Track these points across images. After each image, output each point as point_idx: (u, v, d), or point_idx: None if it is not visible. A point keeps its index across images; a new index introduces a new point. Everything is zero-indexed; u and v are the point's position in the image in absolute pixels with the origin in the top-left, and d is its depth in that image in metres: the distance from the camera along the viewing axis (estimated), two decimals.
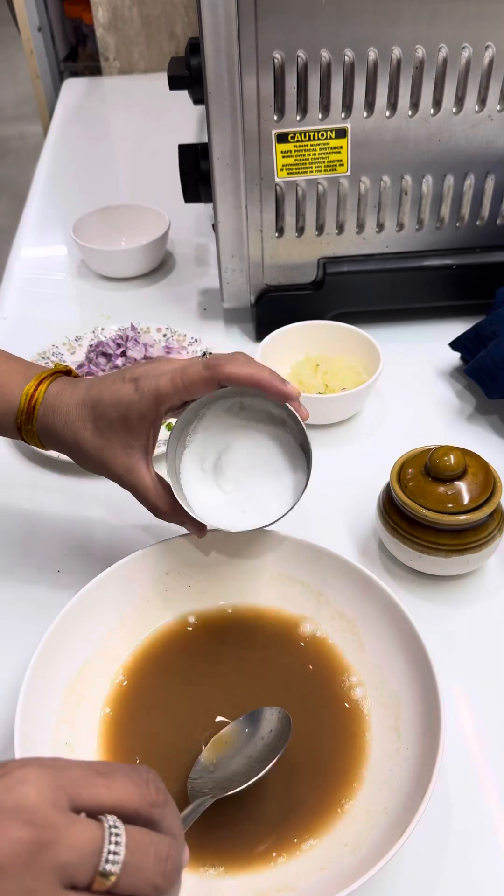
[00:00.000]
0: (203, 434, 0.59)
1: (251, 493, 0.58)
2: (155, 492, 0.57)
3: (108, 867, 0.29)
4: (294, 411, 0.55)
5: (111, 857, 0.30)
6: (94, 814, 0.31)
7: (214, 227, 0.85)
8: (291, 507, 0.57)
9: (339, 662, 0.58)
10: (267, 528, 0.58)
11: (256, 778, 0.48)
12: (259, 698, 0.55)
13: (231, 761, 0.50)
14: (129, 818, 0.31)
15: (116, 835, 0.30)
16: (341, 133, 0.78)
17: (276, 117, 0.77)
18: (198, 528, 0.58)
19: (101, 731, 0.55)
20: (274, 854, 0.48)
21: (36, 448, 0.59)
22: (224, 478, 0.58)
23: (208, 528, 0.58)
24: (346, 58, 0.73)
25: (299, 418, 0.55)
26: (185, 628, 0.61)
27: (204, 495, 0.58)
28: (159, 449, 0.67)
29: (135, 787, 0.32)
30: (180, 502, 0.56)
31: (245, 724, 0.53)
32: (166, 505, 0.57)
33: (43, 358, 0.91)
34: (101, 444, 0.55)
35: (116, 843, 0.30)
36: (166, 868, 0.31)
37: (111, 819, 0.30)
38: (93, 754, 0.53)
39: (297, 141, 0.78)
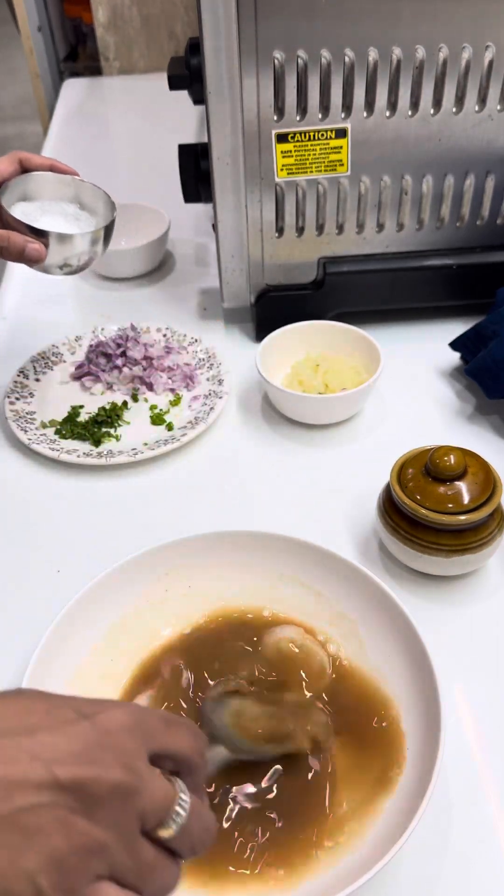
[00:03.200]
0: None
1: (64, 211, 0.76)
2: None
3: (172, 824, 0.34)
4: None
5: (176, 817, 0.34)
6: (162, 757, 0.36)
7: (214, 227, 0.85)
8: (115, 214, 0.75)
9: (336, 662, 0.58)
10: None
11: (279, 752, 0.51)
12: (256, 701, 0.55)
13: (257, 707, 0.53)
14: (182, 763, 0.36)
15: (184, 800, 0.35)
16: (341, 133, 0.78)
17: (276, 117, 0.77)
18: (36, 246, 0.69)
19: None
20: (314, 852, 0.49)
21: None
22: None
23: (49, 236, 0.70)
24: (346, 58, 0.73)
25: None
26: (184, 629, 0.61)
27: (35, 217, 0.73)
28: None
29: (192, 738, 0.37)
30: (14, 215, 0.69)
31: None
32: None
33: (43, 358, 0.91)
34: None
35: (182, 807, 0.35)
36: (205, 838, 0.36)
37: (180, 784, 0.35)
38: None
39: (297, 141, 0.78)
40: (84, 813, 0.31)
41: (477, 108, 0.78)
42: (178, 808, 0.34)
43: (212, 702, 0.53)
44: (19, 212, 0.73)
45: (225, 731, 0.51)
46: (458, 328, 0.88)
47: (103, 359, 0.89)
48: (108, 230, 0.75)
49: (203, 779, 0.39)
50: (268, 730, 0.52)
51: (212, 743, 0.50)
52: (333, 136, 0.78)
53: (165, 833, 0.34)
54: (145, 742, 0.35)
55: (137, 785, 0.33)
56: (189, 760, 0.37)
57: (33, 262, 0.71)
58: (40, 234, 0.70)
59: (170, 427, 0.82)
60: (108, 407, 0.84)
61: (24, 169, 0.75)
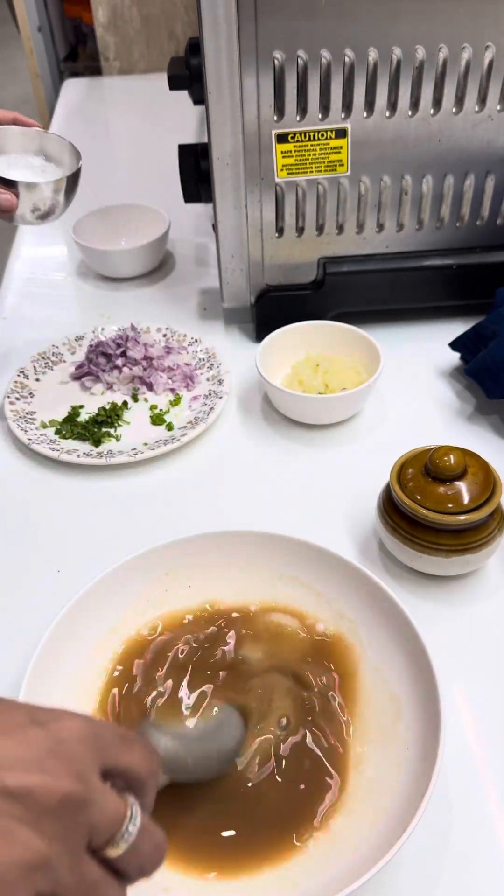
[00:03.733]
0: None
1: (30, 164, 0.78)
2: None
3: (122, 843, 0.33)
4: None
5: (126, 834, 0.33)
6: (113, 774, 0.34)
7: (214, 227, 0.85)
8: (80, 162, 0.78)
9: (336, 662, 0.58)
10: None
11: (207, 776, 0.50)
12: (256, 700, 0.55)
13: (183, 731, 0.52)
14: (134, 782, 0.35)
15: (135, 816, 0.33)
16: (341, 133, 0.78)
17: (276, 117, 0.77)
18: (7, 196, 0.71)
19: None
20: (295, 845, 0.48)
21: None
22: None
23: (19, 186, 0.72)
24: (346, 58, 0.73)
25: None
26: (184, 628, 0.61)
27: (2, 170, 0.75)
28: None
29: (147, 756, 0.36)
30: None
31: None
32: None
33: (43, 358, 0.91)
34: None
35: (133, 824, 0.33)
36: (156, 857, 0.34)
37: (132, 801, 0.34)
38: None
39: (297, 141, 0.78)
40: (30, 823, 0.29)
41: (477, 108, 0.78)
42: (128, 826, 0.33)
43: (152, 726, 0.51)
44: None
45: (168, 754, 0.49)
46: (458, 328, 0.88)
47: (103, 359, 0.89)
48: (75, 178, 0.77)
49: (152, 800, 0.37)
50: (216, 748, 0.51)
51: None
52: (333, 136, 0.78)
53: (114, 852, 0.32)
54: (99, 755, 0.33)
55: (88, 797, 0.31)
56: (141, 780, 0.35)
57: (5, 211, 0.73)
58: (9, 185, 0.73)
59: (170, 427, 0.83)
60: (108, 407, 0.84)
61: None
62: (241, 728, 0.53)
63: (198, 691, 0.56)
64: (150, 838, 0.34)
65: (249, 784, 0.51)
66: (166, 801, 0.50)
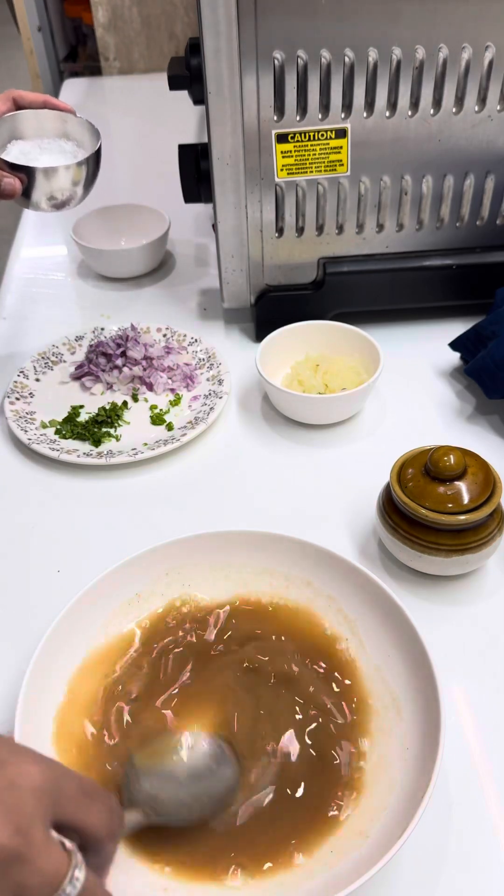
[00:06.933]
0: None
1: (62, 149, 0.76)
2: None
3: None
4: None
5: (62, 894, 0.31)
6: (68, 828, 0.33)
7: (214, 227, 0.85)
8: (99, 145, 0.75)
9: (336, 662, 0.58)
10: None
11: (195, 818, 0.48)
12: (257, 700, 0.55)
13: (172, 771, 0.49)
14: (89, 841, 0.34)
15: (76, 878, 0.32)
16: (341, 133, 0.78)
17: (276, 117, 0.77)
18: (10, 180, 0.69)
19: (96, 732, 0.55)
20: (295, 855, 0.48)
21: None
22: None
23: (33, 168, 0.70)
24: (346, 58, 0.73)
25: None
26: (184, 628, 0.61)
27: (34, 155, 0.74)
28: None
29: (108, 816, 0.35)
30: (7, 158, 0.70)
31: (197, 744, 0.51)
32: None
33: (43, 358, 0.91)
34: None
35: (73, 886, 0.32)
36: None
37: (78, 859, 0.33)
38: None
39: (297, 141, 0.78)
40: None
41: (477, 108, 0.78)
42: (67, 887, 0.31)
43: (135, 766, 0.49)
44: (17, 151, 0.73)
45: (149, 797, 0.46)
46: (458, 328, 0.88)
47: (103, 359, 0.89)
48: (96, 159, 0.75)
49: (111, 860, 0.36)
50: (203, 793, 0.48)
51: (129, 806, 0.46)
52: (333, 136, 0.78)
53: None
54: (52, 808, 0.32)
55: (24, 853, 0.30)
56: (98, 840, 0.34)
57: (8, 196, 0.71)
58: (20, 169, 0.70)
59: (170, 427, 0.83)
60: (108, 407, 0.84)
61: (18, 107, 0.76)
62: (234, 769, 0.50)
63: (195, 705, 0.56)
64: None
65: (253, 808, 0.50)
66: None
